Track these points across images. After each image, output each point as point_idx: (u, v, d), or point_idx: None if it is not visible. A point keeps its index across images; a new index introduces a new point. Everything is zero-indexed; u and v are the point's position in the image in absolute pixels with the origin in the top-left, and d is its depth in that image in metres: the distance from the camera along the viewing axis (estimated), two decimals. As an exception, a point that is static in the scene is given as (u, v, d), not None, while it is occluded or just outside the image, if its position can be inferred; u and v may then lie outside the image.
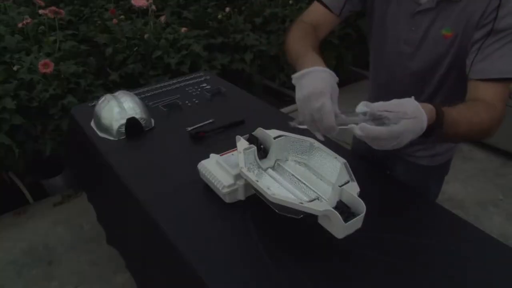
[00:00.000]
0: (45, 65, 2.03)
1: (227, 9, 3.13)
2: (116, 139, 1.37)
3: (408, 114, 0.69)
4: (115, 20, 2.72)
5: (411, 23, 0.95)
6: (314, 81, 0.79)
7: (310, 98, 0.77)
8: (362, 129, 0.69)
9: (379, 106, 0.72)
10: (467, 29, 0.86)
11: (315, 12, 1.09)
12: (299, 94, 0.81)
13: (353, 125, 0.72)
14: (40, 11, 2.44)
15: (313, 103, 0.76)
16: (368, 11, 1.09)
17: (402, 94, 1.10)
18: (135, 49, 2.54)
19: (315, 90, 0.77)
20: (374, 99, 1.23)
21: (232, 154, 1.13)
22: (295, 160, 1.08)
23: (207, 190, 1.10)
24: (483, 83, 0.83)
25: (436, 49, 0.95)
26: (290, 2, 3.28)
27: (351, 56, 3.43)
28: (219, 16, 3.09)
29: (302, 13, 1.12)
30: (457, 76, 0.94)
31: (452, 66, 0.95)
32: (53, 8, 2.32)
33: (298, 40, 1.00)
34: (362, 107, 0.73)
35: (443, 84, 1.02)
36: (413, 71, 1.03)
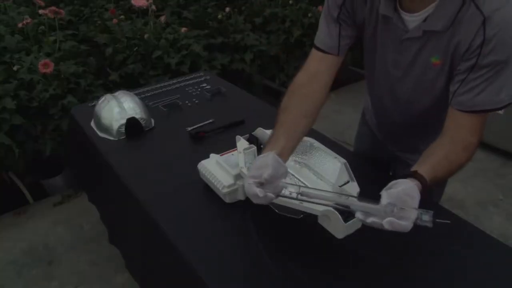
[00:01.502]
0: (45, 65, 2.03)
1: (227, 9, 3.13)
2: (116, 139, 1.37)
3: (416, 204, 0.76)
4: (115, 20, 2.72)
5: (399, 47, 0.96)
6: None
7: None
8: (391, 223, 0.72)
9: (393, 199, 0.75)
10: (454, 57, 0.89)
11: (315, 61, 1.04)
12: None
13: (373, 219, 0.74)
14: (40, 11, 2.43)
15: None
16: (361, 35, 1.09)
17: (394, 115, 1.10)
18: (135, 49, 2.54)
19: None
20: (373, 112, 1.24)
21: (232, 154, 1.13)
22: (295, 160, 1.08)
23: (207, 190, 1.10)
24: (462, 113, 0.90)
25: (425, 75, 0.96)
26: (290, 2, 3.27)
27: (351, 56, 3.42)
28: (219, 16, 3.08)
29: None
30: (447, 100, 0.95)
31: (443, 91, 0.96)
32: (53, 8, 2.32)
33: (279, 120, 0.97)
34: (386, 199, 0.75)
35: (431, 109, 1.03)
36: (402, 94, 1.04)
